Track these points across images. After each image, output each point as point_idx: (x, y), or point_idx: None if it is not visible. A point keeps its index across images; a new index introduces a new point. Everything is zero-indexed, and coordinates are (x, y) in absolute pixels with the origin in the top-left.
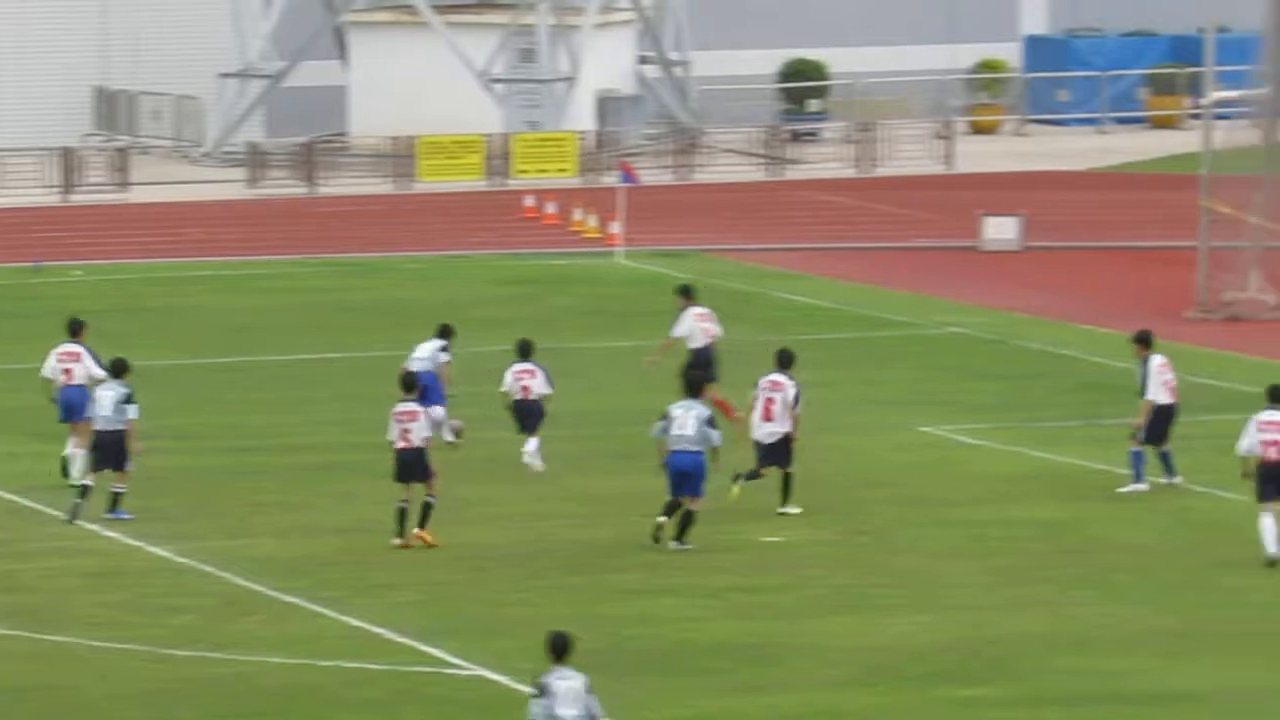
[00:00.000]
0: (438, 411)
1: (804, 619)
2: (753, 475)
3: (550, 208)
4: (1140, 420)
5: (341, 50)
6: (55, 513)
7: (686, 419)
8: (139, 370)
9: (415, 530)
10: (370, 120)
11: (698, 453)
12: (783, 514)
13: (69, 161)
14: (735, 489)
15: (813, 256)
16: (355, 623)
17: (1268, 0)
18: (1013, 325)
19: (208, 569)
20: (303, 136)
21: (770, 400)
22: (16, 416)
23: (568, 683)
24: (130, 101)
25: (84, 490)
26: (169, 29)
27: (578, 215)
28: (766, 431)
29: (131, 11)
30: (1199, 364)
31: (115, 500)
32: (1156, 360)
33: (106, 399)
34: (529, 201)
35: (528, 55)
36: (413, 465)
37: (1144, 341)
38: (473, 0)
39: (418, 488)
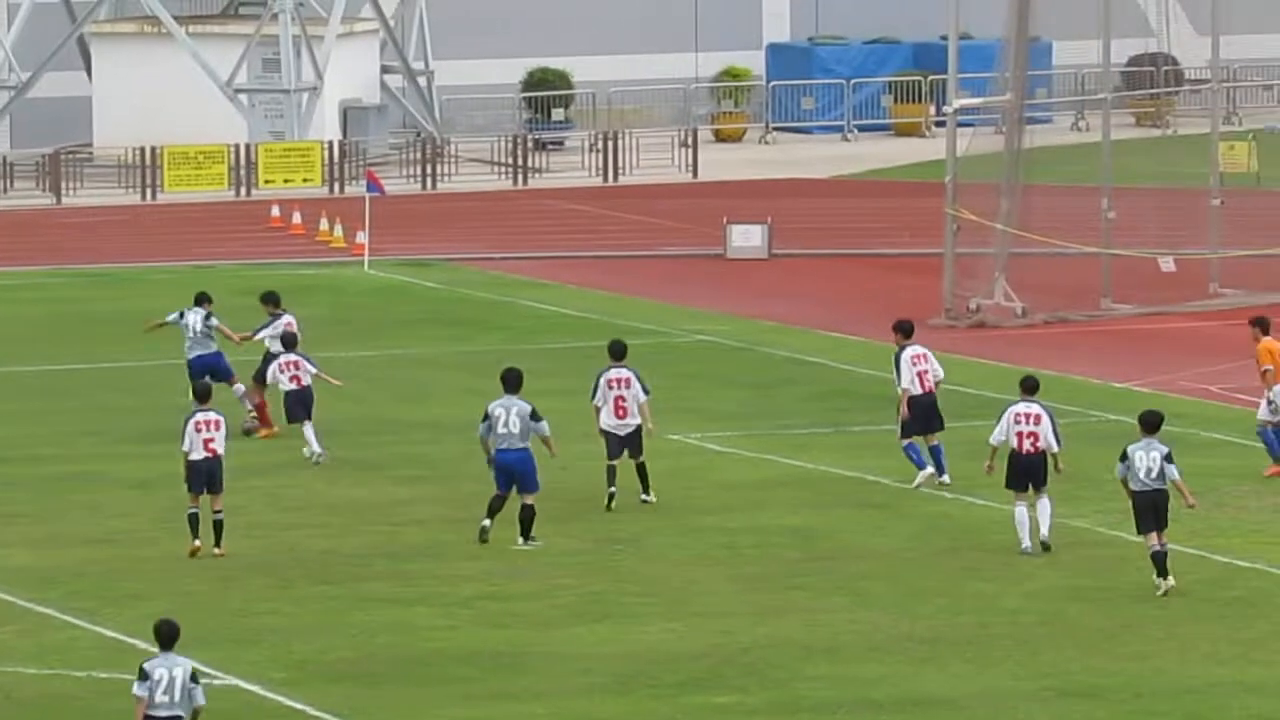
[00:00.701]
0: (239, 388)
1: (555, 627)
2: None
3: (296, 217)
4: (901, 411)
5: (86, 61)
6: None
7: (509, 416)
8: None
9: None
10: (115, 131)
11: (524, 449)
12: (645, 501)
13: None
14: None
15: (559, 265)
16: (108, 633)
17: (1008, 8)
18: (760, 333)
19: None
20: (48, 147)
21: (621, 397)
22: None
23: (169, 670)
24: None
25: None
26: None
27: (324, 225)
28: (619, 423)
29: None
30: (947, 371)
31: None
32: (910, 351)
33: None
34: (275, 211)
35: (272, 65)
36: (215, 474)
37: (903, 331)
38: (216, 11)
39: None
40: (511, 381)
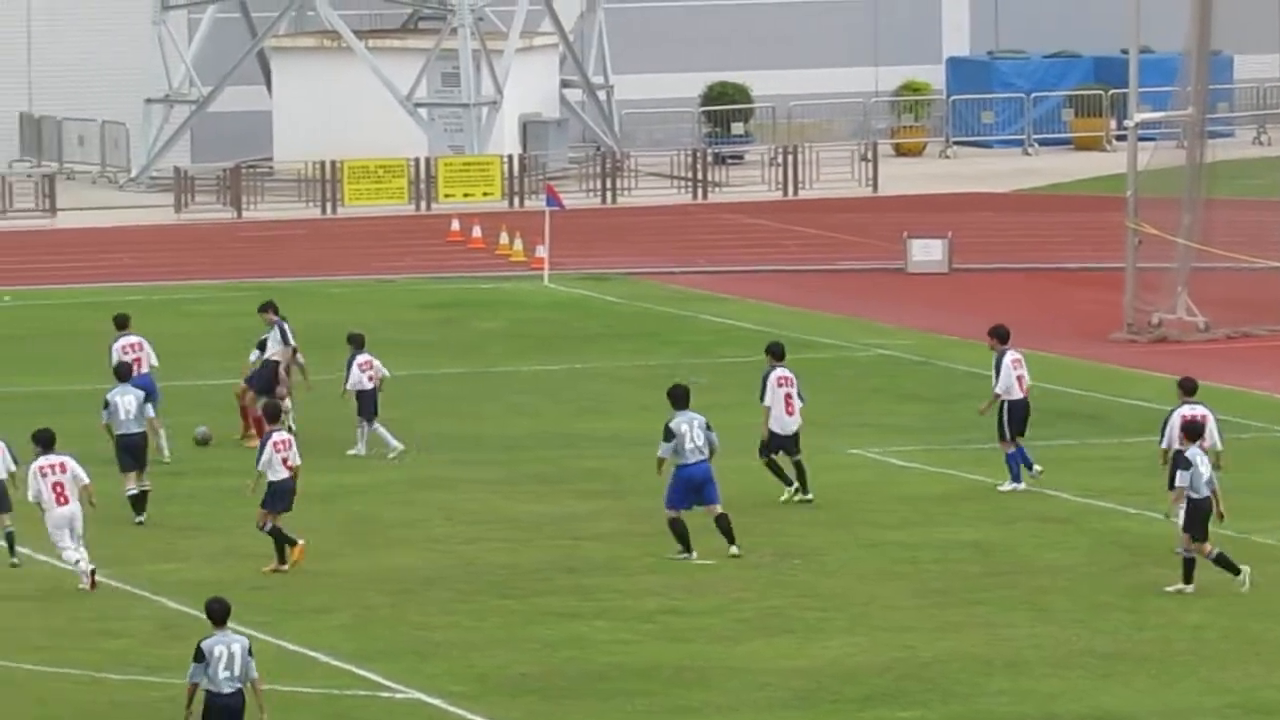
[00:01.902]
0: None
1: (736, 642)
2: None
3: (476, 231)
4: (985, 407)
5: (266, 75)
6: None
7: (693, 430)
8: (69, 395)
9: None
10: (295, 145)
11: (707, 462)
12: (806, 500)
13: None
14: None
15: (738, 279)
16: (289, 646)
17: (1189, 21)
18: (940, 347)
19: (141, 593)
20: (228, 161)
21: (790, 395)
22: None
23: (227, 646)
24: (57, 127)
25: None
26: (94, 55)
27: (504, 239)
28: (789, 420)
29: (57, 38)
30: (1128, 386)
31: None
32: (1010, 356)
33: (129, 401)
34: (454, 225)
35: (451, 79)
36: (295, 492)
37: (999, 336)
38: (396, 25)
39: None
40: (683, 397)
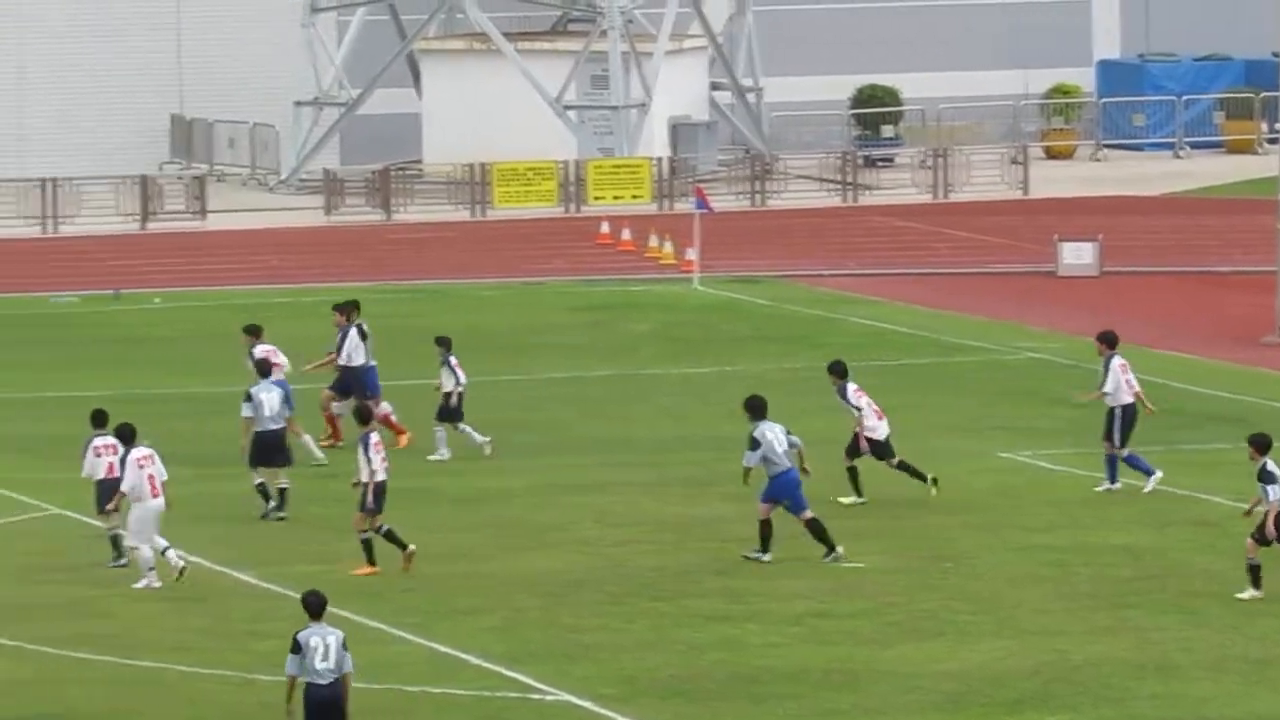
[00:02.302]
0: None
1: (885, 645)
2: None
3: (625, 234)
4: (1085, 397)
5: (415, 78)
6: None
7: (777, 438)
8: (219, 397)
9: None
10: (444, 147)
11: (795, 469)
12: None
13: (147, 189)
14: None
15: (887, 282)
16: (439, 648)
17: None
18: (1090, 350)
19: (290, 594)
20: (377, 163)
21: (872, 403)
22: None
23: (323, 638)
24: (207, 130)
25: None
26: (244, 58)
27: (653, 241)
28: (879, 425)
29: (207, 41)
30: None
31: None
32: (1118, 360)
33: (274, 399)
34: (603, 228)
35: (601, 82)
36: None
37: (1107, 341)
38: (545, 28)
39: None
40: (760, 408)
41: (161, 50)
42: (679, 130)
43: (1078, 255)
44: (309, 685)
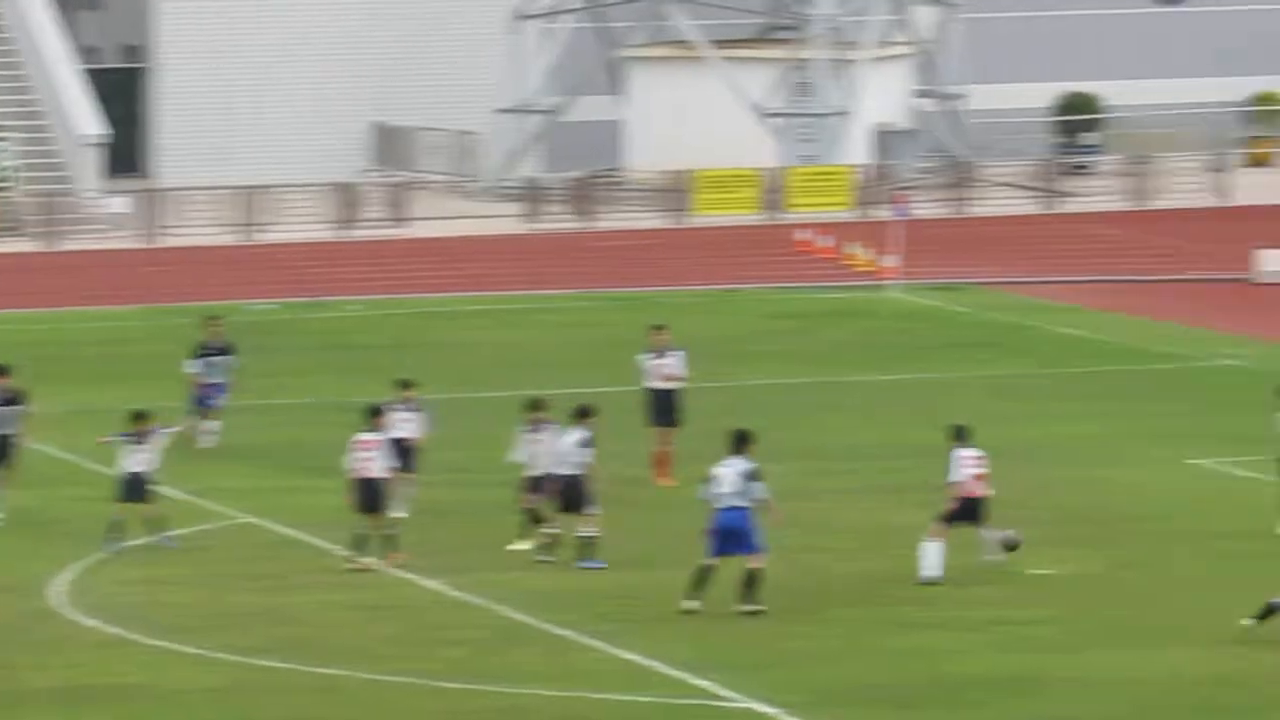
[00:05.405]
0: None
1: (1073, 652)
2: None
3: (824, 241)
4: None
5: (616, 85)
6: (328, 546)
7: (729, 475)
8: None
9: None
10: (646, 154)
11: (743, 508)
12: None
13: (347, 197)
14: None
15: (1086, 290)
16: (627, 655)
17: None
18: None
19: (480, 602)
20: (578, 171)
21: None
22: (293, 451)
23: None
24: (408, 137)
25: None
26: (446, 65)
27: (852, 249)
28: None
29: (409, 48)
30: None
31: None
32: None
33: (567, 442)
34: (802, 235)
35: (804, 89)
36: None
37: None
38: (749, 35)
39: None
40: (733, 442)
41: (364, 57)
42: (882, 137)
43: (1276, 263)
44: None
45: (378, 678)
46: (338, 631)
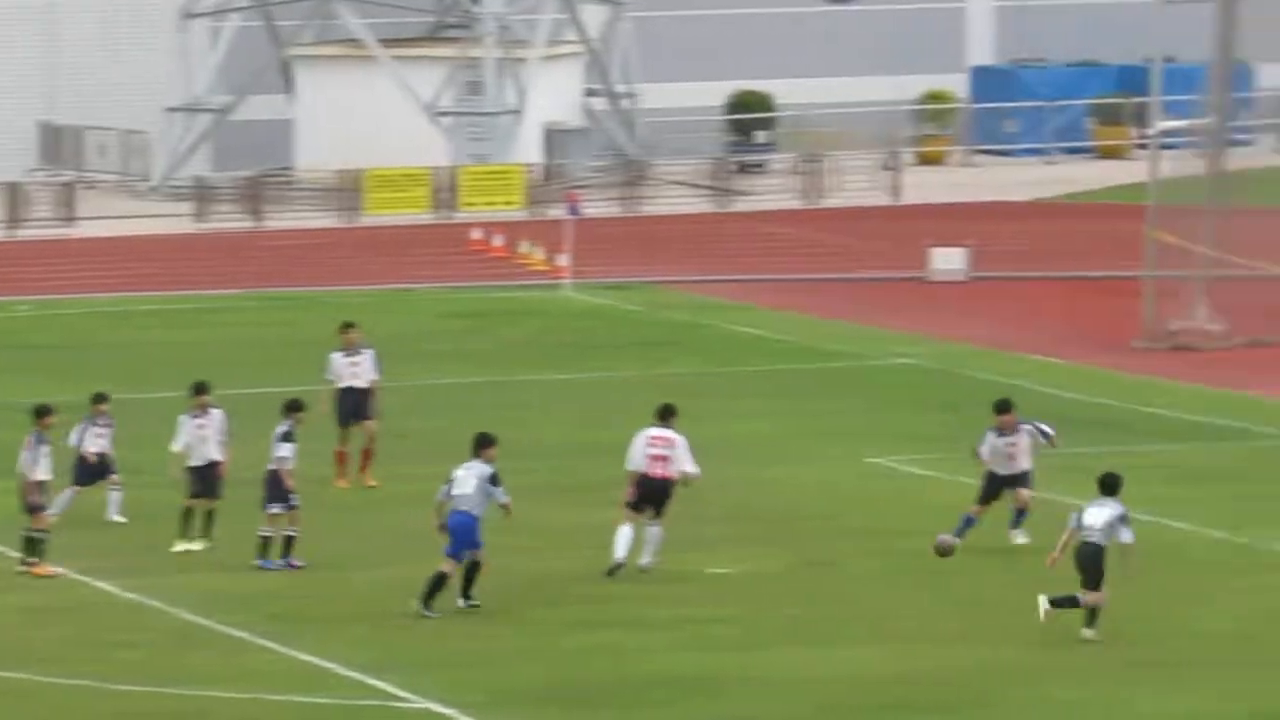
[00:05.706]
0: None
1: (754, 650)
2: None
3: (497, 240)
4: None
5: (288, 84)
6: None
7: (468, 477)
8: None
9: None
10: (316, 154)
11: (475, 514)
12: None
13: (14, 196)
14: None
15: (760, 288)
16: (304, 657)
17: (1212, 31)
18: (961, 356)
19: (155, 604)
20: (249, 170)
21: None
22: None
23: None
24: (76, 136)
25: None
26: (114, 63)
27: (525, 248)
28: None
29: (77, 46)
30: (1148, 394)
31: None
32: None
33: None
34: (476, 234)
35: (475, 88)
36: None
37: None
38: (419, 34)
39: None
40: (476, 445)
41: (31, 55)
42: (553, 136)
43: (948, 261)
44: None
45: (53, 680)
46: (9, 634)
